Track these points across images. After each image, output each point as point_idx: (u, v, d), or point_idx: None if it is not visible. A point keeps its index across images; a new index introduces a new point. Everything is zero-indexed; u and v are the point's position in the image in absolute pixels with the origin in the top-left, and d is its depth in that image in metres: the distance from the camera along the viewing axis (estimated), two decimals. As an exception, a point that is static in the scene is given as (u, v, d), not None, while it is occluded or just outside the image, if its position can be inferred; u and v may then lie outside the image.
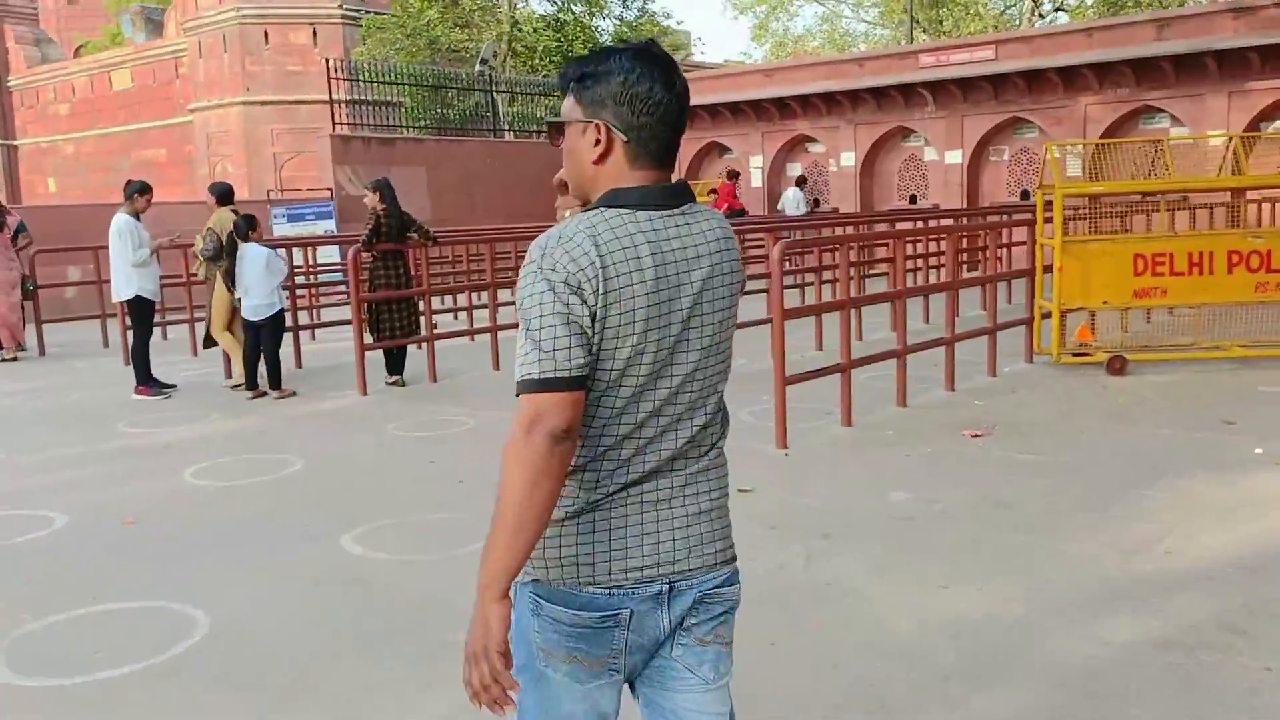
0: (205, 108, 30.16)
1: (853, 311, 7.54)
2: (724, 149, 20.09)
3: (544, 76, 21.09)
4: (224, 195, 8.32)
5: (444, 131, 18.91)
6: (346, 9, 27.58)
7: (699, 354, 1.61)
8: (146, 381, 8.19)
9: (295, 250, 12.89)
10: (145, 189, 8.24)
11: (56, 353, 11.03)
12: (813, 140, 19.04)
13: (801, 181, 17.84)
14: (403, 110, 19.05)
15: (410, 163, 17.33)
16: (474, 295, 11.52)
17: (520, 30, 22.17)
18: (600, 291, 1.50)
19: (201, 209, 9.58)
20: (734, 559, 1.71)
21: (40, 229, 12.51)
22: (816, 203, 18.02)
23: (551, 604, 1.60)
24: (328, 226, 15.90)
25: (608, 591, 1.59)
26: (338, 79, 16.63)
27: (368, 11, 25.59)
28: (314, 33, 28.16)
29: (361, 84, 17.93)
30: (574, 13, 23.04)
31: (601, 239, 1.52)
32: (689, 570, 1.63)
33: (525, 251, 1.94)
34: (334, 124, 16.71)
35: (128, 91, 35.68)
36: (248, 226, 7.86)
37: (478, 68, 19.04)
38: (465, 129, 19.37)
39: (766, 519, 4.66)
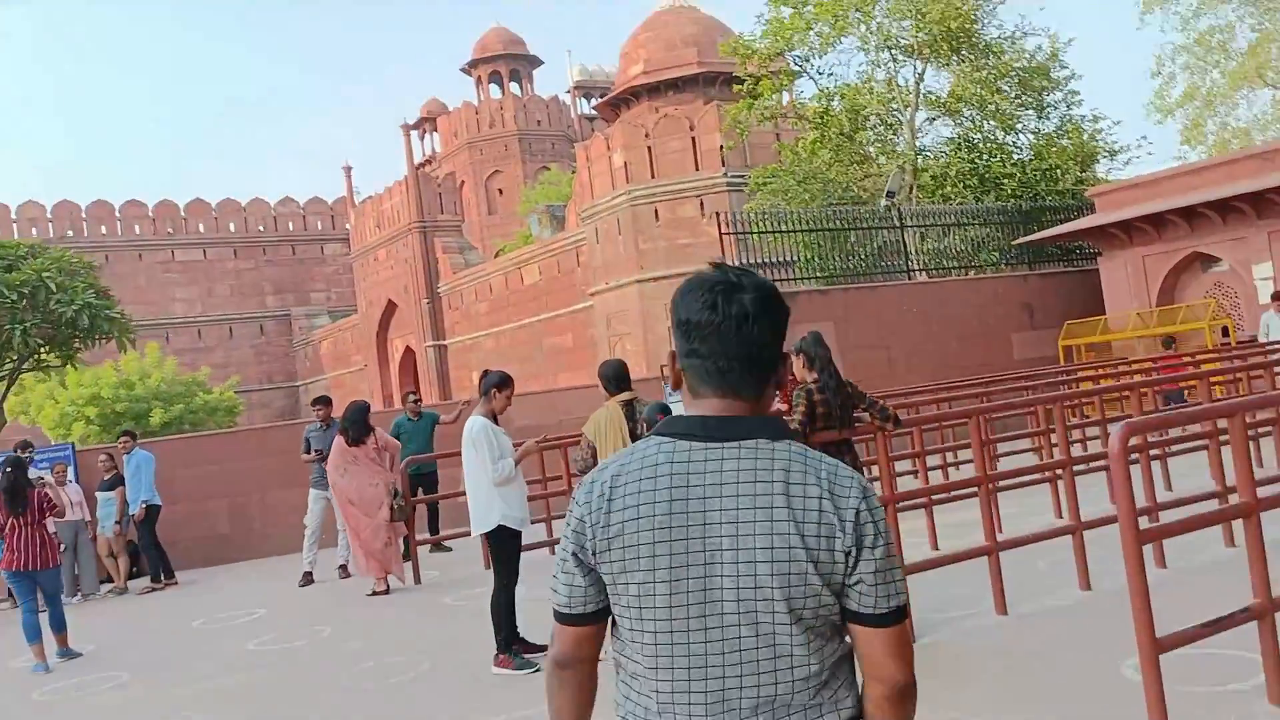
0: (603, 290, 30.62)
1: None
2: (1210, 260, 15.69)
3: (959, 204, 18.09)
4: (613, 378, 6.00)
5: (849, 280, 16.42)
6: (731, 175, 26.84)
7: (741, 604, 1.49)
8: (508, 648, 5.97)
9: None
10: (504, 382, 6.24)
11: (434, 580, 9.40)
12: (1347, 234, 14.21)
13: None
14: (798, 264, 16.89)
15: (815, 318, 14.91)
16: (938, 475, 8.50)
17: (926, 157, 19.50)
18: (602, 525, 1.54)
19: (596, 394, 8.11)
20: None
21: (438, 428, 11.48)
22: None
23: None
24: (728, 401, 13.75)
25: None
26: (728, 233, 14.79)
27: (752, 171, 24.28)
28: (701, 204, 27.74)
29: (753, 241, 16.01)
30: (986, 131, 20.05)
31: (625, 469, 1.57)
32: None
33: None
34: (728, 285, 14.78)
35: (536, 284, 37.60)
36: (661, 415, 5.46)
37: (883, 203, 16.51)
38: (873, 274, 16.77)
39: None
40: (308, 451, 10.44)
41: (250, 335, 57.34)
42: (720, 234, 14.92)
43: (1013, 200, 18.42)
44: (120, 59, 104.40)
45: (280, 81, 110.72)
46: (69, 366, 15.72)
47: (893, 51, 19.18)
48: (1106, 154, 21.00)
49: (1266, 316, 13.05)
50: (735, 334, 1.56)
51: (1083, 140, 20.56)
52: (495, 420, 6.22)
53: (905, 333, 15.75)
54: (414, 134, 55.75)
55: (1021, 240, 17.34)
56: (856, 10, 18.43)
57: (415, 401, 11.77)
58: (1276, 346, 11.63)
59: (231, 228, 56.91)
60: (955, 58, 19.40)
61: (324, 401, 10.72)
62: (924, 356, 15.76)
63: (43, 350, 14.19)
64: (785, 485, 1.51)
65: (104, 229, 54.83)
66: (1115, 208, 16.23)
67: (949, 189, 18.70)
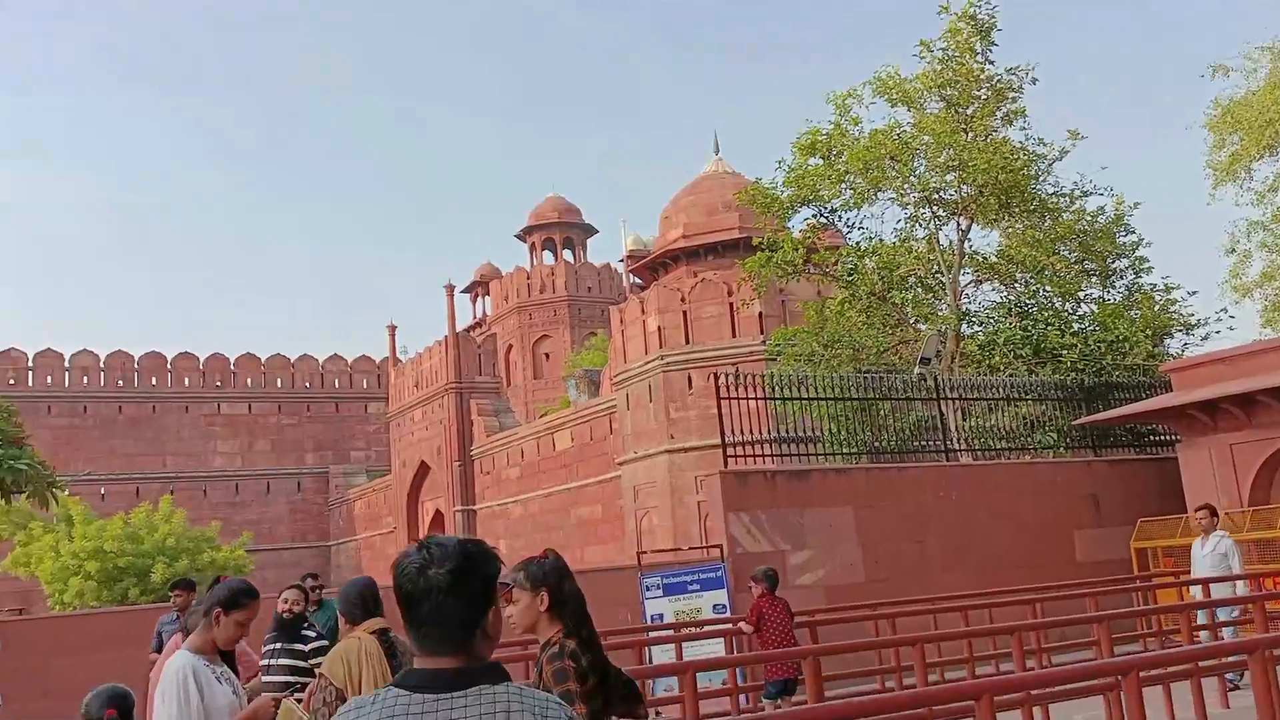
0: (632, 459, 28.82)
1: None
2: (1315, 450, 13.05)
3: (1010, 376, 15.77)
4: (359, 602, 3.92)
5: (877, 457, 14.10)
6: (771, 343, 25.16)
7: None
8: None
9: (654, 651, 8.35)
10: (236, 599, 3.98)
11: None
12: None
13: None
14: (824, 439, 14.64)
15: (832, 501, 12.57)
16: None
17: (971, 321, 17.31)
18: None
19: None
20: None
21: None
22: None
23: None
24: (717, 601, 11.31)
25: None
26: (729, 398, 12.69)
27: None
28: (736, 371, 26.00)
29: (774, 409, 13.88)
30: (1041, 297, 17.91)
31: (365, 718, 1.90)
32: None
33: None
34: (725, 456, 12.57)
35: (567, 451, 36.00)
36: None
37: (917, 370, 14.31)
38: (905, 453, 14.42)
39: None
40: (159, 649, 8.29)
41: (287, 492, 56.24)
42: (718, 399, 12.84)
43: (1074, 374, 16.07)
44: (176, 210, 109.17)
45: (343, 241, 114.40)
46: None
47: (934, 207, 17.38)
48: (1182, 327, 18.66)
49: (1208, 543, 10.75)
50: (431, 607, 1.93)
51: (1154, 311, 18.27)
52: (231, 661, 4.04)
53: (943, 523, 13.26)
54: (466, 297, 55.66)
55: (1085, 420, 14.88)
56: (892, 158, 16.77)
57: (315, 588, 9.58)
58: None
59: (279, 383, 56.69)
60: (1005, 215, 17.53)
61: (185, 585, 8.62)
62: (967, 553, 13.21)
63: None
64: None
65: (154, 380, 54.78)
66: (1196, 386, 13.79)
67: (997, 359, 16.44)
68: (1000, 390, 15.08)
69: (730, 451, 12.54)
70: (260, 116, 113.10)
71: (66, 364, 52.63)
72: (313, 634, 6.38)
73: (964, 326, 16.98)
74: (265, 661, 5.80)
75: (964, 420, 14.94)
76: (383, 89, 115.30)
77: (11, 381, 50.34)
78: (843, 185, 17.38)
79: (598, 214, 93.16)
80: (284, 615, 6.12)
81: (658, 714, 9.94)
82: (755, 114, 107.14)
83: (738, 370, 28.23)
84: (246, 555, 36.69)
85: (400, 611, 1.96)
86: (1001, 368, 16.36)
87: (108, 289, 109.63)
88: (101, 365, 53.67)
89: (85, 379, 52.84)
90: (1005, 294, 18.44)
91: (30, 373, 51.47)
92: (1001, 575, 12.60)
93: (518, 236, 55.41)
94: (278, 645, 5.96)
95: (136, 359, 54.49)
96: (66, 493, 33.19)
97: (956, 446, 14.55)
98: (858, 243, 17.93)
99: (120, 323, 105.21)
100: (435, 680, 1.87)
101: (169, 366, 55.20)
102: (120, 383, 53.68)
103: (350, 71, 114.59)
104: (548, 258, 54.46)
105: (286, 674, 5.76)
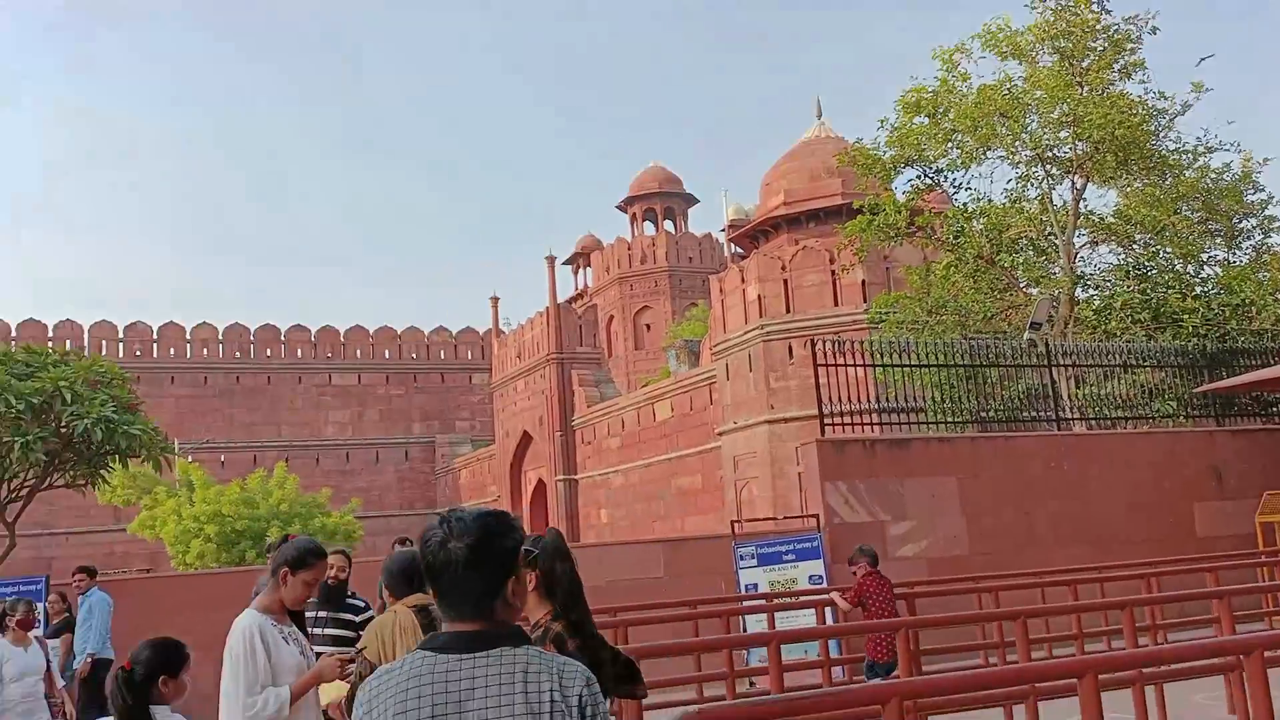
0: (731, 430, 28.59)
1: None
2: None
3: (1126, 340, 14.97)
4: (403, 577, 3.83)
5: (985, 426, 13.56)
6: (874, 312, 24.49)
7: None
8: None
9: (748, 621, 8.16)
10: (304, 559, 3.95)
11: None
12: None
13: None
14: (929, 407, 14.13)
15: (933, 471, 12.14)
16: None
17: (1086, 285, 16.47)
18: None
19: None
20: None
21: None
22: None
23: None
24: (813, 572, 11.04)
25: None
26: (826, 365, 12.34)
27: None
28: (838, 340, 25.46)
29: (875, 377, 13.45)
30: (1161, 259, 16.93)
31: (381, 683, 2.02)
32: None
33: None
34: (822, 425, 12.24)
35: (667, 421, 35.96)
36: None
37: (1027, 336, 13.68)
38: (1013, 422, 13.83)
39: None
40: None
41: (396, 460, 57.61)
42: (814, 367, 12.49)
43: (1195, 340, 15.17)
44: (281, 188, 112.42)
45: (447, 215, 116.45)
46: (92, 487, 14.64)
47: (1046, 165, 16.53)
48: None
49: None
50: (451, 578, 2.05)
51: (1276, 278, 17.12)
52: (300, 621, 4.00)
53: (1054, 495, 12.69)
54: (568, 269, 55.93)
55: (1207, 387, 14.03)
56: (1002, 115, 15.99)
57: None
58: None
59: (386, 354, 58.01)
60: (1123, 173, 16.59)
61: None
62: (1078, 526, 12.63)
63: (56, 465, 13.12)
64: (524, 684, 1.99)
65: (269, 352, 56.60)
66: (1331, 350, 12.86)
67: (1114, 324, 15.61)
68: (1116, 356, 14.32)
69: (828, 420, 12.20)
70: (352, 90, 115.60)
71: (188, 336, 54.71)
72: (361, 603, 6.03)
73: (1078, 290, 16.18)
74: (308, 629, 5.48)
75: (1077, 388, 14.25)
76: (485, 61, 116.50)
77: (138, 353, 52.65)
78: (949, 144, 16.69)
79: (699, 184, 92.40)
80: (329, 582, 5.68)
81: (752, 684, 9.79)
82: (862, 79, 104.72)
83: (839, 338, 27.75)
84: (356, 521, 37.80)
85: (428, 580, 2.09)
86: (1118, 333, 15.55)
87: (206, 260, 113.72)
88: (219, 338, 55.66)
89: (205, 350, 54.90)
90: (1123, 256, 17.52)
91: (155, 345, 53.70)
92: (1115, 550, 12.05)
93: (619, 207, 55.33)
94: (322, 613, 5.67)
95: (252, 331, 56.35)
96: (189, 459, 34.57)
97: (1069, 415, 13.89)
98: (964, 204, 17.22)
99: (228, 295, 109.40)
100: (458, 641, 2.00)
101: (282, 338, 56.95)
102: (238, 354, 55.61)
103: (444, 41, 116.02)
104: (648, 228, 54.23)
105: (331, 644, 5.45)
